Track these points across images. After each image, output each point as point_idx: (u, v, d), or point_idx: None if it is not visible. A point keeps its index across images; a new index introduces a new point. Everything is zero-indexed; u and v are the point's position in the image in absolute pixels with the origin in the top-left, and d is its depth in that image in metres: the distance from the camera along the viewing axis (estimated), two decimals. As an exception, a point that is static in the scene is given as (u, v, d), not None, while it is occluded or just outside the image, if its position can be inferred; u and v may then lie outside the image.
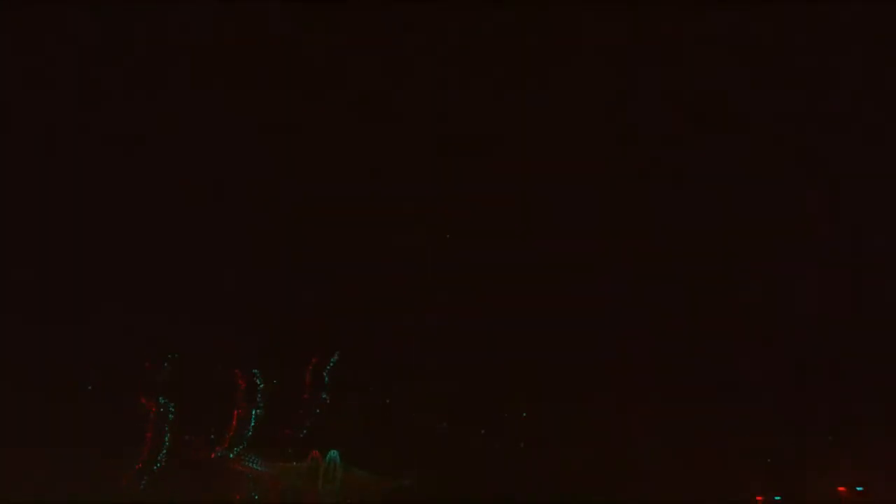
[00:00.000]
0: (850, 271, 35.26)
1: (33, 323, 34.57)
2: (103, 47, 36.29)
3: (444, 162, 40.95)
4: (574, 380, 42.75)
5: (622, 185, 38.95)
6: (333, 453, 38.59)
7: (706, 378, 38.75)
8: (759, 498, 33.95)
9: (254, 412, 40.46)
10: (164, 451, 38.60)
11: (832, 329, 35.17)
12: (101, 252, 37.31)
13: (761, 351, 37.83)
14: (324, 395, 40.35)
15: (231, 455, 37.48)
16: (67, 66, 36.09)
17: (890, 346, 32.33)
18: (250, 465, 39.33)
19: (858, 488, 29.60)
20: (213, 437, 38.98)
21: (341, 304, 40.74)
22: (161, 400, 37.88)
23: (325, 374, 40.89)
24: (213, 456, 37.96)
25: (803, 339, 36.37)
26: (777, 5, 33.51)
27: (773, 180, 36.13)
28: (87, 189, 38.93)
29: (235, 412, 39.62)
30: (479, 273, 41.56)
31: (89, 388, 36.94)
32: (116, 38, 35.67)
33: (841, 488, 29.79)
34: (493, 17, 36.33)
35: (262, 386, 39.86)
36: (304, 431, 38.90)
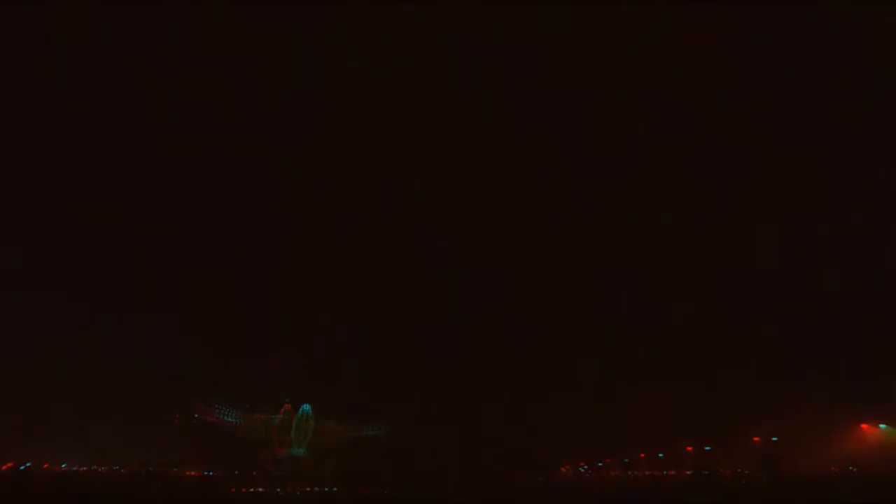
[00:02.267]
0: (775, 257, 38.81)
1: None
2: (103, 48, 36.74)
3: (440, 160, 42.96)
4: (526, 356, 45.90)
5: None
6: (306, 406, 40.98)
7: (647, 352, 42.39)
8: (689, 448, 38.03)
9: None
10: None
11: (756, 303, 38.90)
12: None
13: (692, 326, 41.56)
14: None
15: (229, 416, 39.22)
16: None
17: (802, 324, 36.44)
18: (224, 417, 41.28)
19: (774, 438, 33.85)
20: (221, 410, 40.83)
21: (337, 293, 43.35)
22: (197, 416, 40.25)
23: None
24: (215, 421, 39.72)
25: (729, 313, 40.12)
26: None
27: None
28: (109, 196, 40.71)
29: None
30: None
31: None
32: (119, 37, 36.05)
33: (756, 438, 34.03)
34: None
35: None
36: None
